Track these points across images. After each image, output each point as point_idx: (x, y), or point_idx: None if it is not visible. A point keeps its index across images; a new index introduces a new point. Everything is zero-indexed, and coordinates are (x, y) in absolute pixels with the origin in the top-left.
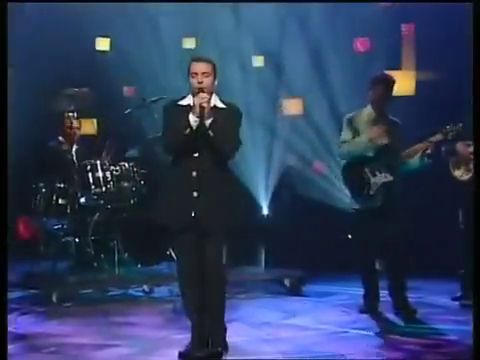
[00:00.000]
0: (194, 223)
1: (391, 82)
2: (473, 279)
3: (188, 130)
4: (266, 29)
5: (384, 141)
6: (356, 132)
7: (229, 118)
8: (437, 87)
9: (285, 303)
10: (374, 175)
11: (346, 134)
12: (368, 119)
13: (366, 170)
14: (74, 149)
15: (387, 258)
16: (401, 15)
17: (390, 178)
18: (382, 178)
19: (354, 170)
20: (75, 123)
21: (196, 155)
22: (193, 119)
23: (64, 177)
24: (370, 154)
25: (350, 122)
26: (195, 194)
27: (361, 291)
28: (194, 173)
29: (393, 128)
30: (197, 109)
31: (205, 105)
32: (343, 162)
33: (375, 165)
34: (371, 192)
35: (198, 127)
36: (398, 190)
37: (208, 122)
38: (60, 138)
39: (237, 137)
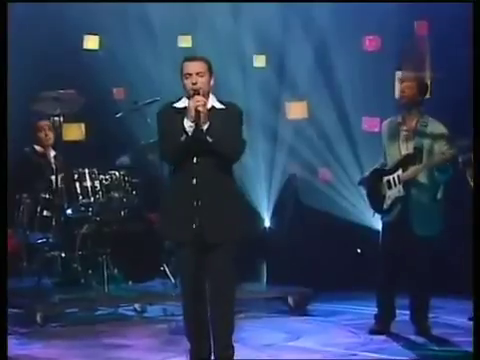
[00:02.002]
0: (197, 235)
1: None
2: (473, 279)
3: (184, 136)
4: (268, 26)
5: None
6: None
7: (229, 119)
8: (452, 88)
9: (288, 323)
10: (390, 188)
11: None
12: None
13: (384, 181)
14: (55, 155)
15: (406, 275)
16: (414, 12)
17: (403, 193)
18: (396, 192)
19: (373, 181)
20: (58, 128)
21: (195, 161)
22: (188, 124)
23: (49, 187)
24: (391, 165)
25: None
26: (195, 203)
27: (372, 310)
28: (194, 180)
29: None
30: (192, 113)
31: (201, 109)
32: (368, 171)
33: (393, 176)
34: (385, 206)
35: (194, 132)
36: (420, 206)
37: (205, 126)
38: (37, 147)
39: (239, 138)
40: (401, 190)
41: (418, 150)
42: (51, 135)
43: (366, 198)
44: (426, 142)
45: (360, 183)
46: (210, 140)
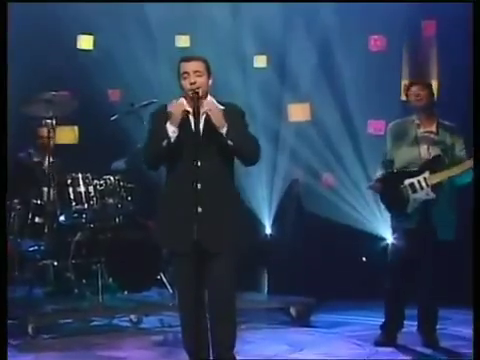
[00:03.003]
0: (197, 244)
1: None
2: (473, 281)
3: (166, 141)
4: (269, 25)
5: (433, 153)
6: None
7: (232, 121)
8: (462, 91)
9: (290, 334)
10: (414, 191)
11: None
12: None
13: (406, 184)
14: (50, 161)
15: (418, 284)
16: (421, 11)
17: (432, 195)
18: (423, 195)
19: (391, 184)
20: (51, 132)
21: (199, 165)
22: (171, 129)
23: (41, 193)
24: (413, 167)
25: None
26: (197, 210)
27: (377, 321)
28: (198, 186)
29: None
30: (177, 117)
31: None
32: (380, 173)
33: (417, 179)
34: (409, 210)
35: (211, 135)
36: (440, 210)
37: (225, 130)
38: (31, 150)
39: (253, 138)
40: (430, 193)
41: (444, 153)
42: (50, 142)
43: (381, 202)
44: (448, 146)
45: (370, 188)
46: (231, 143)
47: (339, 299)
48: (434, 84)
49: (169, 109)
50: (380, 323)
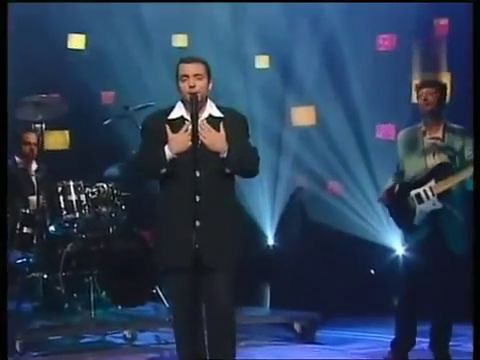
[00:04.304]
0: (196, 258)
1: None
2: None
3: (165, 170)
4: (271, 23)
5: (439, 160)
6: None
7: (232, 130)
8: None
9: (294, 352)
10: (421, 201)
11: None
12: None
13: (412, 195)
14: (39, 167)
15: (431, 299)
16: (433, 9)
17: (439, 205)
18: (430, 205)
19: (398, 196)
20: (40, 137)
21: (198, 175)
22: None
23: (29, 202)
24: (420, 176)
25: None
26: (196, 224)
27: (387, 337)
28: (197, 198)
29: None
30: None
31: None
32: (388, 185)
33: (423, 189)
34: (416, 222)
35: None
36: (451, 220)
37: (224, 155)
38: (17, 158)
39: (252, 152)
40: (437, 203)
41: (451, 159)
42: (36, 148)
43: (390, 217)
44: (456, 151)
45: (380, 200)
46: (228, 171)
47: (346, 314)
48: (446, 85)
49: (172, 136)
50: (390, 340)
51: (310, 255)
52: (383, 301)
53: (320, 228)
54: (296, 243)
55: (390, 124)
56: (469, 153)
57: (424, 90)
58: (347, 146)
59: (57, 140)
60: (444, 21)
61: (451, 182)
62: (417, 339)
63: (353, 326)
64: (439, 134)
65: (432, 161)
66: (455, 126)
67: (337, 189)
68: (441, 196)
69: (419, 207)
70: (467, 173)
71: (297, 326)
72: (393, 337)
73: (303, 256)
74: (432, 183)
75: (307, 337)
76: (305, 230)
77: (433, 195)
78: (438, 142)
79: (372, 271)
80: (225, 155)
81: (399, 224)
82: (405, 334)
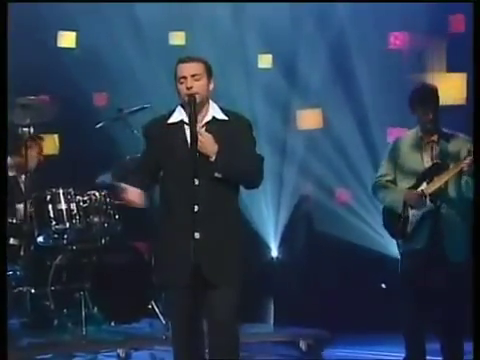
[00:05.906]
0: (196, 273)
1: (433, 91)
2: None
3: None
4: (274, 20)
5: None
6: (398, 166)
7: (235, 135)
8: None
9: None
10: (412, 206)
11: (385, 167)
12: (412, 143)
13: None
14: (26, 174)
15: (437, 314)
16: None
17: (430, 206)
18: (422, 208)
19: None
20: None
21: (197, 183)
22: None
23: (16, 211)
24: (412, 181)
25: (392, 150)
26: (194, 236)
27: (398, 356)
28: (195, 208)
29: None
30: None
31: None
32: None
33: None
34: (409, 229)
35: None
36: (450, 227)
37: (213, 157)
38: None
39: (255, 159)
40: (428, 203)
41: (443, 161)
42: (27, 153)
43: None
44: (451, 156)
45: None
46: (219, 176)
47: (355, 331)
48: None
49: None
50: (400, 359)
51: (316, 268)
52: (394, 317)
53: (327, 239)
54: (301, 255)
55: (401, 127)
56: (464, 156)
57: (425, 107)
58: (356, 151)
59: (46, 145)
60: (459, 16)
61: (442, 180)
62: (429, 358)
63: (362, 344)
64: (435, 138)
65: (427, 165)
66: (450, 132)
67: (345, 197)
68: (432, 196)
69: (411, 211)
70: (455, 169)
71: (302, 344)
72: (403, 356)
73: (309, 269)
74: (424, 185)
75: (313, 356)
76: (311, 241)
77: (425, 197)
78: (434, 145)
79: (383, 285)
80: (213, 158)
81: (392, 234)
82: (413, 352)
